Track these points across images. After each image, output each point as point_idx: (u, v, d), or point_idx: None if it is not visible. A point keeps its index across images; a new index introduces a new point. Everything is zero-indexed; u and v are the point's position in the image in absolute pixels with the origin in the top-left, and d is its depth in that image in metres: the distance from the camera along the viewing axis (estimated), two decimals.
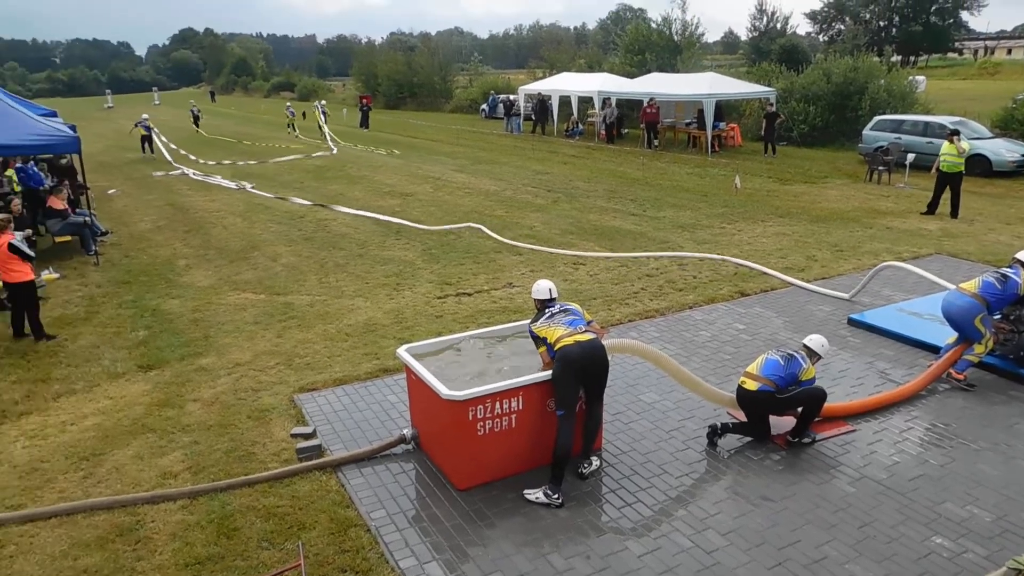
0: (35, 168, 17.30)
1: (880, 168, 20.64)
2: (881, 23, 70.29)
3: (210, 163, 27.13)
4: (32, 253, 9.96)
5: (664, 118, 29.85)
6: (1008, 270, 7.80)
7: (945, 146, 15.86)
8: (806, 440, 6.62)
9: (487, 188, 20.39)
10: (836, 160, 24.95)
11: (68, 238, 14.33)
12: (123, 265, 13.32)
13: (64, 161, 19.57)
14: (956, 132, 16.00)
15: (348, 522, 5.61)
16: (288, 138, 36.88)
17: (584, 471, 6.12)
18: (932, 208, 16.16)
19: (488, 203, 18.17)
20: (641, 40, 39.17)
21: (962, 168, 15.80)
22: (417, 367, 6.15)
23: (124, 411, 7.61)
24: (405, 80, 59.10)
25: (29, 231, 12.42)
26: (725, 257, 12.65)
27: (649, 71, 34.61)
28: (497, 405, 5.83)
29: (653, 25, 40.63)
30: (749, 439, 6.70)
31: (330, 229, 15.72)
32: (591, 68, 42.16)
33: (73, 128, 15.74)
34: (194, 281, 12.22)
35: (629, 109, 34.15)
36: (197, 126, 41.37)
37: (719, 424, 6.61)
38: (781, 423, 6.76)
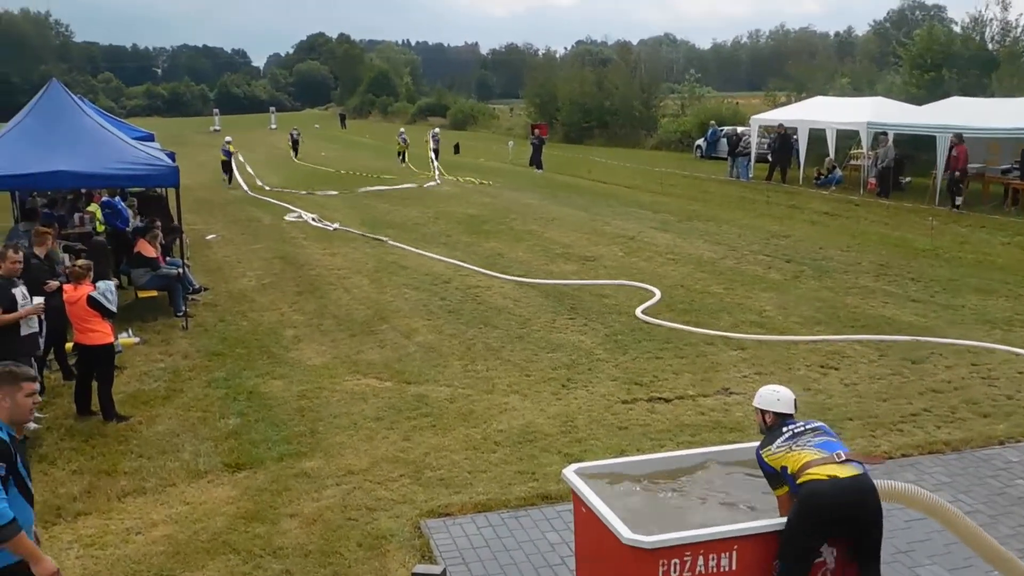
0: (123, 203, 18.65)
1: None
2: None
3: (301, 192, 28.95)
4: (115, 309, 10.83)
5: (970, 162, 28.67)
6: None
7: None
8: None
9: (700, 254, 20.33)
10: None
11: (155, 293, 15.50)
12: (217, 331, 14.35)
13: (156, 194, 21.11)
14: None
15: None
16: (401, 170, 39.93)
17: None
18: None
19: (700, 275, 18.08)
20: (937, 50, 38.31)
21: None
22: (590, 496, 6.14)
23: (203, 522, 8.10)
24: (594, 104, 60.48)
25: (115, 281, 13.33)
26: None
27: (948, 94, 33.52)
28: (700, 560, 5.70)
29: (956, 29, 39.59)
30: None
31: (482, 299, 16.23)
32: (858, 90, 41.57)
33: (172, 156, 17.20)
34: (303, 358, 12.94)
35: (914, 148, 33.12)
36: (296, 153, 45.73)
37: None
38: None
